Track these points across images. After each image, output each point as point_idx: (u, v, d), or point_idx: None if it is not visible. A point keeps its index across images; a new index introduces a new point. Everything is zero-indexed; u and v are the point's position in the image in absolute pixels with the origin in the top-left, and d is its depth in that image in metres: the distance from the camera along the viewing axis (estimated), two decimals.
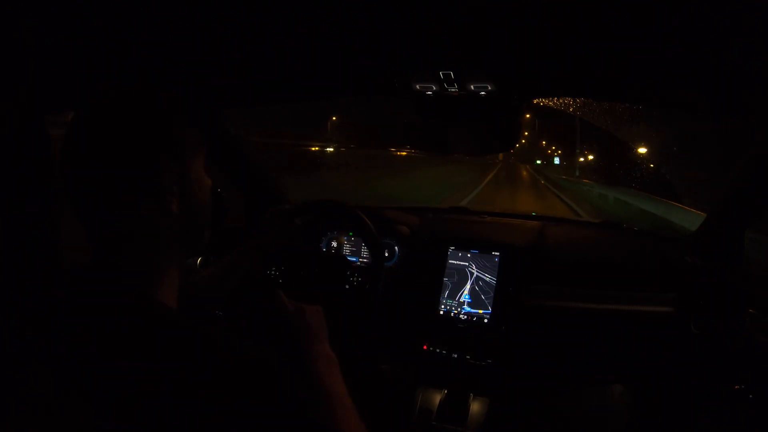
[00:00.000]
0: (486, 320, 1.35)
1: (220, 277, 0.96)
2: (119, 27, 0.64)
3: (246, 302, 0.97)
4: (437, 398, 1.33)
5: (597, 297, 1.33)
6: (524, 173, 32.54)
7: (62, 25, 0.59)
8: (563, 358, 1.42)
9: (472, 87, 0.83)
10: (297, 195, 1.71)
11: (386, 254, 1.45)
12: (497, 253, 1.39)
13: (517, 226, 1.58)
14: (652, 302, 1.30)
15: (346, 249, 1.53)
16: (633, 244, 1.53)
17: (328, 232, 1.54)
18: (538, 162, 50.83)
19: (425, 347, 1.39)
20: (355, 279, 1.36)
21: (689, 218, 5.76)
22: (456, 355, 1.35)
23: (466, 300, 1.38)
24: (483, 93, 0.84)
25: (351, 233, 1.52)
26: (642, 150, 12.36)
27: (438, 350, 1.37)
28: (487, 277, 1.38)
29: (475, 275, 1.39)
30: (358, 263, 1.49)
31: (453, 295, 1.39)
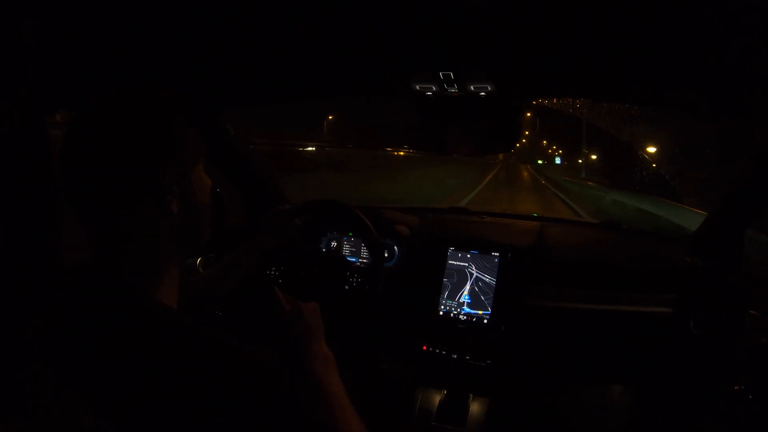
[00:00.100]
0: (486, 321, 1.35)
1: (220, 277, 0.96)
2: (119, 27, 0.64)
3: (246, 302, 0.97)
4: (437, 398, 1.33)
5: (597, 297, 1.33)
6: (525, 174, 31.83)
7: (62, 25, 0.59)
8: (563, 359, 1.42)
9: (471, 87, 0.83)
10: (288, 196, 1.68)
11: (386, 255, 1.45)
12: (497, 254, 1.39)
13: (516, 226, 1.58)
14: (652, 303, 1.30)
15: (346, 249, 1.53)
16: (633, 244, 1.53)
17: (328, 232, 1.54)
18: (540, 162, 50.68)
19: (425, 347, 1.39)
20: (354, 279, 1.36)
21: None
22: (456, 356, 1.35)
23: (466, 300, 1.38)
24: (483, 93, 0.85)
25: (351, 233, 1.52)
26: (651, 149, 12.16)
27: (438, 350, 1.37)
28: (487, 278, 1.38)
29: (474, 276, 1.39)
30: (358, 263, 1.49)
31: (453, 296, 1.39)
